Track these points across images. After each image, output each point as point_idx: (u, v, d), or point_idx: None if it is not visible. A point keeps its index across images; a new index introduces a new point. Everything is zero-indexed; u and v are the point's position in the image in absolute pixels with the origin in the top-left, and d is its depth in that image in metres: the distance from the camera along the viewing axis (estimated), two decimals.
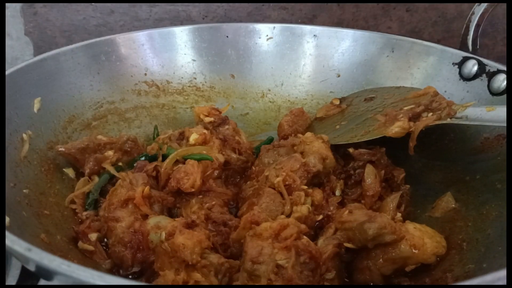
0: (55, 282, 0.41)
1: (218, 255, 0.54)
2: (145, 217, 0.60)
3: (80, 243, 0.59)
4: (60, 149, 0.69)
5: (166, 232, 0.52)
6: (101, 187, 0.68)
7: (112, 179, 0.69)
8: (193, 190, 0.64)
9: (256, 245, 0.50)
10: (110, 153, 0.71)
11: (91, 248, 0.59)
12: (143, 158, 0.71)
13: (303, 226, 0.53)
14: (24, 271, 0.61)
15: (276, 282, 0.48)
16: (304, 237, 0.52)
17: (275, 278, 0.48)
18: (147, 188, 0.62)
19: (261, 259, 0.49)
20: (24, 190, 0.59)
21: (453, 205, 0.65)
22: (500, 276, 0.39)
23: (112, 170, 0.69)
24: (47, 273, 0.40)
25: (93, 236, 0.60)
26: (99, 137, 0.72)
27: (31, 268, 0.42)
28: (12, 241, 0.40)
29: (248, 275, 0.49)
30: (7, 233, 0.40)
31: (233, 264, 0.53)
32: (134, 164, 0.70)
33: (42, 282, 0.61)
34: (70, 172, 0.70)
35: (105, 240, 0.61)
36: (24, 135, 0.65)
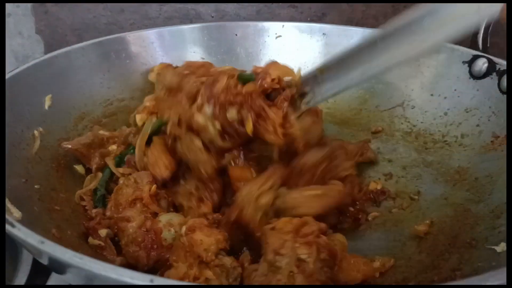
0: (67, 276, 0.42)
1: (232, 258, 0.54)
2: (154, 215, 0.60)
3: (90, 239, 0.59)
4: (66, 146, 0.68)
5: (187, 227, 0.52)
6: (106, 182, 0.68)
7: (114, 174, 0.69)
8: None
9: (278, 237, 0.50)
10: (113, 147, 0.71)
11: (101, 243, 0.59)
12: (132, 151, 0.70)
13: (323, 225, 0.53)
14: (34, 269, 0.62)
15: (297, 275, 0.48)
16: (322, 235, 0.52)
17: (296, 271, 0.48)
18: (154, 187, 0.62)
19: (283, 252, 0.49)
20: (36, 186, 0.60)
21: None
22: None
23: (112, 167, 0.69)
24: (60, 266, 0.40)
25: (103, 232, 0.60)
26: (101, 132, 0.72)
27: (44, 261, 0.42)
28: (25, 234, 0.40)
29: (268, 265, 0.49)
30: (21, 227, 0.41)
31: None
32: (125, 159, 0.69)
33: (51, 282, 0.62)
34: (80, 168, 0.70)
35: (116, 238, 0.61)
36: (35, 132, 0.65)
